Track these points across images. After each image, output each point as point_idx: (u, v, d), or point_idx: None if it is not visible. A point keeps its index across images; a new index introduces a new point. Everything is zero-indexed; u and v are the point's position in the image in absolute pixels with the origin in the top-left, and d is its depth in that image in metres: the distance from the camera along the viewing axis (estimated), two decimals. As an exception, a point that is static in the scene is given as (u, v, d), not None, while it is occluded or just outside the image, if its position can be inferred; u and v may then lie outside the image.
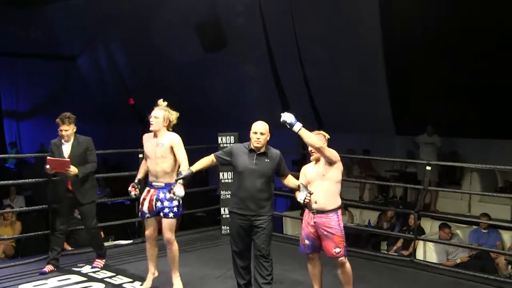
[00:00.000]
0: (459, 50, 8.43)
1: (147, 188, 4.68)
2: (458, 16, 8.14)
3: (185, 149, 4.64)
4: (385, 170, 10.42)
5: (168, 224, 4.59)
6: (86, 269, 5.43)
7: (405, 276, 5.52)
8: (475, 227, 7.70)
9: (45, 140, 15.95)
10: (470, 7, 7.91)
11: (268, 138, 4.43)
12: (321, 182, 4.28)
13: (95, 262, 5.52)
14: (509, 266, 7.12)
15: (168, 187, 4.53)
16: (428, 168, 5.77)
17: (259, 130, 4.39)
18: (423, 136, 9.09)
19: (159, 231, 4.72)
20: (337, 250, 4.26)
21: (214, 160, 4.51)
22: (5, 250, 7.36)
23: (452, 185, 9.18)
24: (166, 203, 4.54)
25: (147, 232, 4.72)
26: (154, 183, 4.62)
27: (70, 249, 6.25)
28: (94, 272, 5.34)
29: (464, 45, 8.33)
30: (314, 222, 4.29)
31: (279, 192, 7.56)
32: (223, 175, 6.80)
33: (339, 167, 4.32)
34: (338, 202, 4.31)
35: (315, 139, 4.23)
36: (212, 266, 5.57)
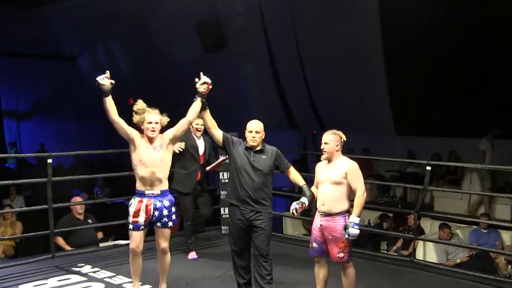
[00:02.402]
0: (459, 50, 8.44)
1: (138, 199, 4.30)
2: (458, 16, 8.15)
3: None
4: (385, 170, 10.43)
5: (167, 233, 4.39)
6: (86, 269, 5.43)
7: (405, 276, 5.52)
8: (475, 227, 7.70)
9: (45, 140, 15.99)
10: (471, 6, 7.91)
11: (263, 137, 4.44)
12: (329, 185, 4.20)
13: (191, 254, 5.85)
14: (509, 266, 7.12)
15: (165, 194, 4.34)
16: (428, 168, 5.76)
17: (254, 129, 4.39)
18: (491, 137, 8.79)
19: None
20: (341, 255, 4.18)
21: (221, 136, 4.45)
22: (5, 250, 7.35)
23: (452, 185, 9.20)
24: (165, 212, 4.31)
25: (135, 246, 4.31)
26: (147, 192, 4.29)
27: (69, 249, 6.24)
28: (94, 272, 5.35)
29: (464, 45, 8.33)
30: (321, 225, 4.24)
31: (279, 192, 7.56)
32: (223, 175, 6.79)
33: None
34: (346, 205, 4.20)
35: (361, 206, 4.16)
36: (212, 266, 5.57)
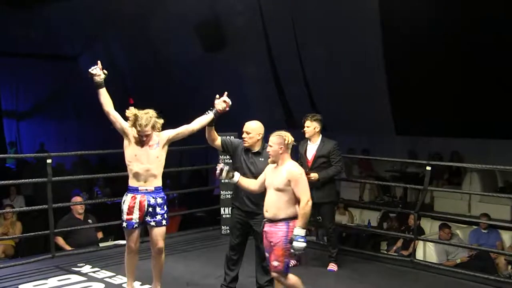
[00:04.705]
0: (459, 50, 8.44)
1: (130, 195, 4.21)
2: (458, 15, 8.15)
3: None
4: (385, 170, 10.43)
5: (163, 232, 4.27)
6: (86, 269, 5.43)
7: (405, 276, 5.52)
8: (475, 227, 7.70)
9: (45, 140, 15.98)
10: (471, 6, 7.91)
11: (258, 138, 4.44)
12: (273, 192, 3.94)
13: (330, 266, 5.51)
14: (509, 266, 7.12)
15: (158, 191, 4.23)
16: (428, 168, 5.76)
17: (244, 129, 4.46)
18: None
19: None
20: (275, 263, 3.89)
21: (219, 142, 4.48)
22: (5, 250, 7.35)
23: (452, 185, 9.20)
24: (158, 210, 4.23)
25: (132, 244, 4.27)
26: (141, 188, 4.19)
27: (69, 249, 6.24)
28: (94, 272, 5.35)
29: (464, 45, 8.33)
30: (264, 231, 4.01)
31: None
32: (222, 175, 6.78)
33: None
34: (291, 211, 3.89)
35: (306, 216, 3.84)
36: (212, 266, 5.57)
